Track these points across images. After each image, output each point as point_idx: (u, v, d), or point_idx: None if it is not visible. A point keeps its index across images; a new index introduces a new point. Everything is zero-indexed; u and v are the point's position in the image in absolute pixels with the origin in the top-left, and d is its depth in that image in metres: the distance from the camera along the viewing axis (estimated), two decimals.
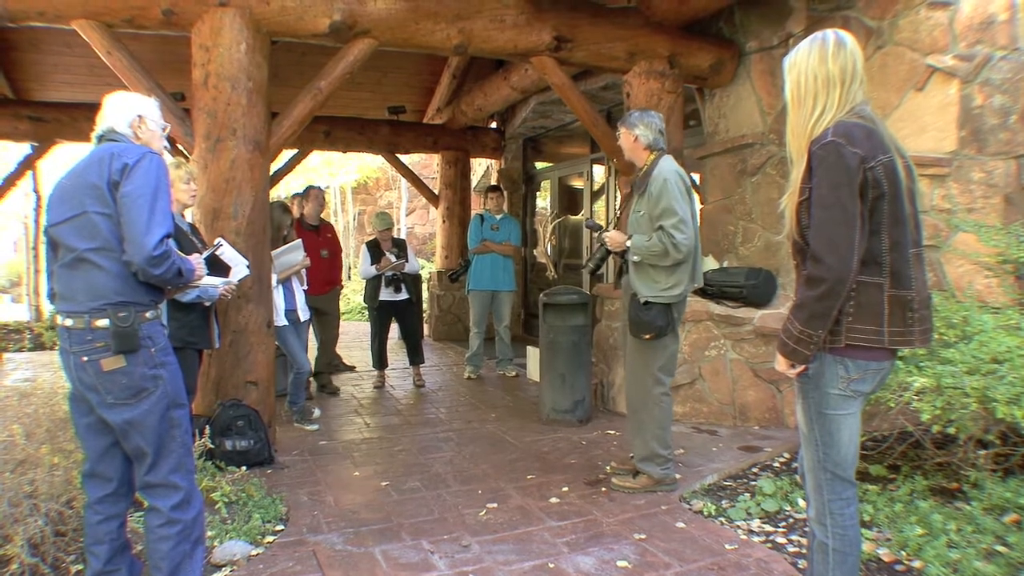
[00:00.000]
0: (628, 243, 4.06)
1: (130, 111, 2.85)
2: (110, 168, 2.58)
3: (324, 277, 6.85)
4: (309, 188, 7.16)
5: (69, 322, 2.60)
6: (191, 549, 2.74)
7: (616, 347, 5.87)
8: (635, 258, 4.00)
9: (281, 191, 15.69)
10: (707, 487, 4.23)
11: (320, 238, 6.91)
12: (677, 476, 4.26)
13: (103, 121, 2.83)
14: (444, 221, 10.76)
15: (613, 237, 4.16)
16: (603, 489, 4.23)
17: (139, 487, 2.74)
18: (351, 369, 6.87)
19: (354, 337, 10.47)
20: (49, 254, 2.77)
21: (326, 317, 7.03)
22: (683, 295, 4.07)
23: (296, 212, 6.85)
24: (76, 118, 8.42)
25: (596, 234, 4.36)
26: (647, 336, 4.03)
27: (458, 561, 3.29)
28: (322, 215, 7.19)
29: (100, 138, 2.81)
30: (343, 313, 11.72)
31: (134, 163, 2.59)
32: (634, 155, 4.21)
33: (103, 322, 2.56)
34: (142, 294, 2.64)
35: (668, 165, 4.06)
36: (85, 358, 2.58)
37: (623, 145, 4.24)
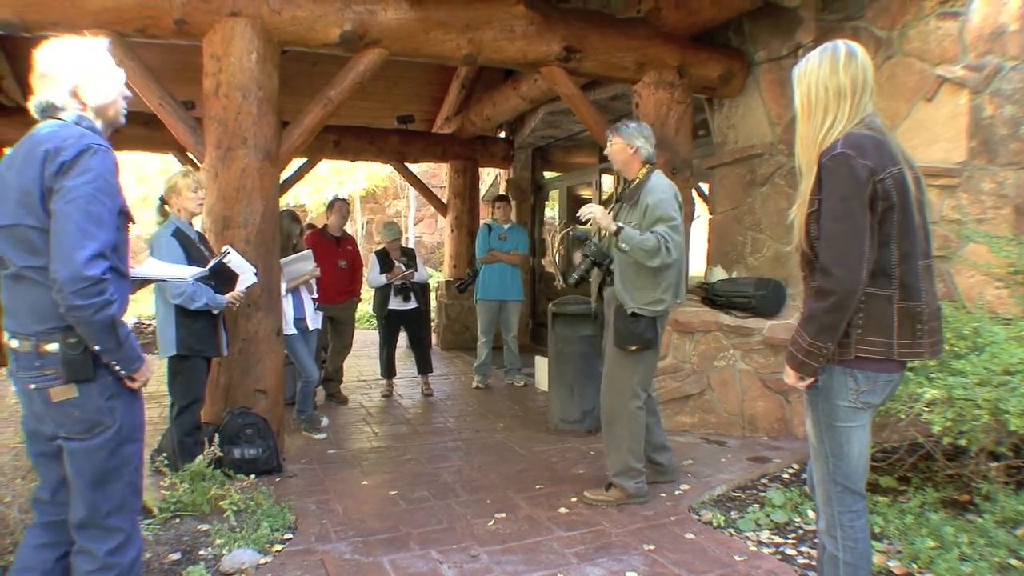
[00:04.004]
0: (617, 227, 3.84)
1: (66, 79, 2.30)
2: (43, 172, 2.15)
3: (341, 288, 6.88)
4: (334, 200, 7.23)
5: (15, 343, 2.27)
6: None
7: None
8: (623, 246, 3.82)
9: (290, 199, 15.75)
10: (716, 498, 4.21)
11: (340, 249, 6.95)
12: (648, 488, 4.20)
13: (39, 90, 2.32)
14: (452, 230, 10.76)
15: (600, 217, 3.92)
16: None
17: (73, 524, 2.33)
18: (344, 402, 6.90)
19: (363, 346, 10.46)
20: None
21: (341, 326, 7.05)
22: (667, 311, 4.08)
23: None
24: None
25: (583, 244, 4.26)
26: (633, 348, 4.00)
27: (467, 571, 3.28)
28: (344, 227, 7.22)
29: (42, 112, 2.32)
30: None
31: (71, 159, 2.15)
32: (627, 166, 4.17)
33: (52, 347, 2.21)
34: None
35: (664, 180, 4.09)
36: (32, 385, 2.25)
37: (615, 155, 4.17)
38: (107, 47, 2.45)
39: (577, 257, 4.27)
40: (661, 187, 4.02)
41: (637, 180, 4.12)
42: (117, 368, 2.26)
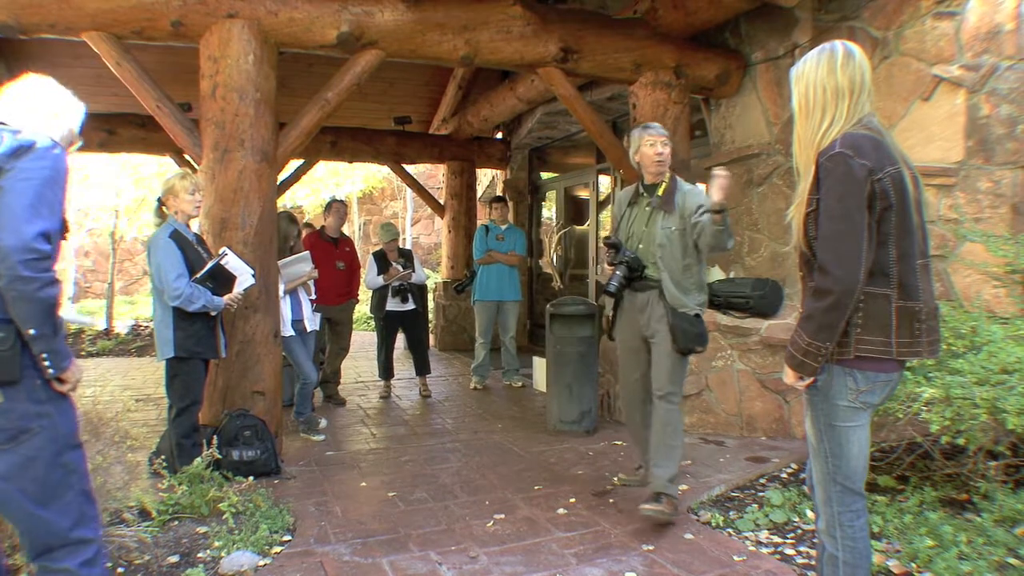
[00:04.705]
0: (722, 205, 3.62)
1: (44, 117, 2.33)
2: None
3: (339, 290, 6.89)
4: (332, 201, 7.24)
5: None
6: None
7: None
8: (726, 222, 3.62)
9: (288, 201, 15.74)
10: (715, 498, 4.21)
11: (338, 250, 6.96)
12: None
13: (8, 106, 2.27)
14: (450, 231, 10.76)
15: (720, 191, 3.52)
16: (611, 500, 4.21)
17: (34, 555, 2.21)
18: (342, 403, 6.91)
19: (361, 347, 10.46)
20: None
21: (339, 328, 7.05)
22: None
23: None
24: (84, 128, 8.46)
25: (617, 250, 4.06)
26: (700, 349, 4.01)
27: (466, 572, 3.28)
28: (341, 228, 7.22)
29: None
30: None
31: (28, 146, 2.07)
32: (666, 171, 4.07)
33: None
34: None
35: (687, 183, 4.13)
36: None
37: (668, 158, 4.04)
38: (83, 117, 2.54)
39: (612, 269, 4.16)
40: (694, 188, 4.10)
41: (664, 185, 4.04)
42: (46, 363, 2.09)
